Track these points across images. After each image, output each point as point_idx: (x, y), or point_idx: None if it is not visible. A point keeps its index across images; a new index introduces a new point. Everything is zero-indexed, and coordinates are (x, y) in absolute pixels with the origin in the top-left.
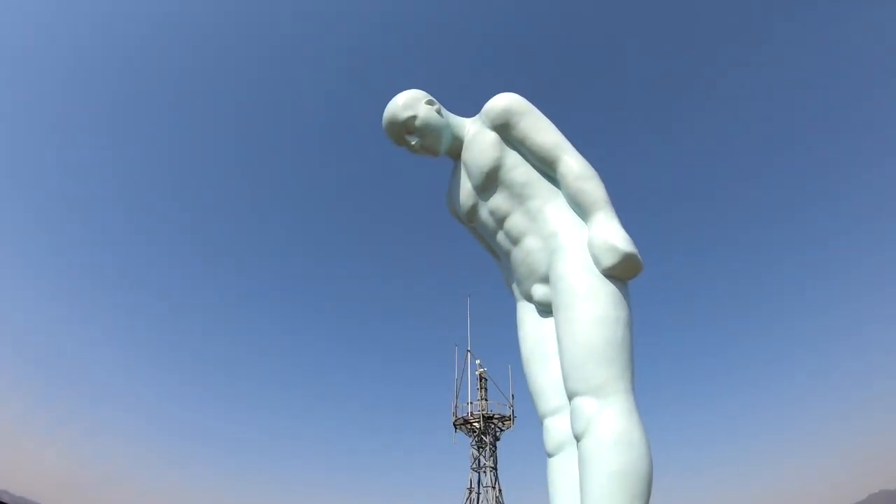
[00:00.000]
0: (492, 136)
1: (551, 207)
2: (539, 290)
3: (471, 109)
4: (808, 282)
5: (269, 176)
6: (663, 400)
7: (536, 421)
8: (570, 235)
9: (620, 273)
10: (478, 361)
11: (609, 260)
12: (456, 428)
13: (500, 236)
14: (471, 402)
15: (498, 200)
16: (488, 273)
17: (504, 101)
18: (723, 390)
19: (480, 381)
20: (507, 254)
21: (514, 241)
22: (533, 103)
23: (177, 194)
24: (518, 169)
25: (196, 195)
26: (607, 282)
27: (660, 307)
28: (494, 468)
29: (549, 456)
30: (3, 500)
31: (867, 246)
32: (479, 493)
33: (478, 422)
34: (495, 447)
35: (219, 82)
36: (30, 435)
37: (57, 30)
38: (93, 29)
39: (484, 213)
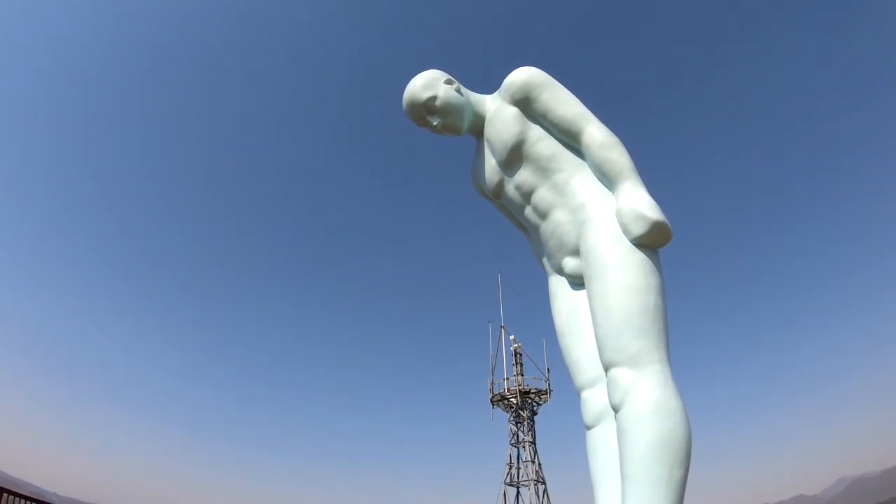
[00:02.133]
0: (513, 111)
1: (578, 179)
2: (570, 263)
3: (488, 87)
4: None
5: (299, 163)
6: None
7: (573, 394)
8: (598, 206)
9: (650, 241)
10: (512, 337)
11: (638, 229)
12: (493, 404)
13: (528, 211)
14: (507, 378)
15: (524, 175)
16: (518, 249)
17: (524, 75)
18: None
19: (515, 356)
20: (536, 228)
21: (543, 215)
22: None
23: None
24: (542, 142)
25: (243, 181)
26: (637, 251)
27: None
28: (533, 442)
29: (588, 428)
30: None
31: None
32: (518, 468)
33: (514, 397)
34: (533, 421)
35: (237, 77)
36: (71, 437)
37: (54, 31)
38: (93, 31)
39: (510, 188)
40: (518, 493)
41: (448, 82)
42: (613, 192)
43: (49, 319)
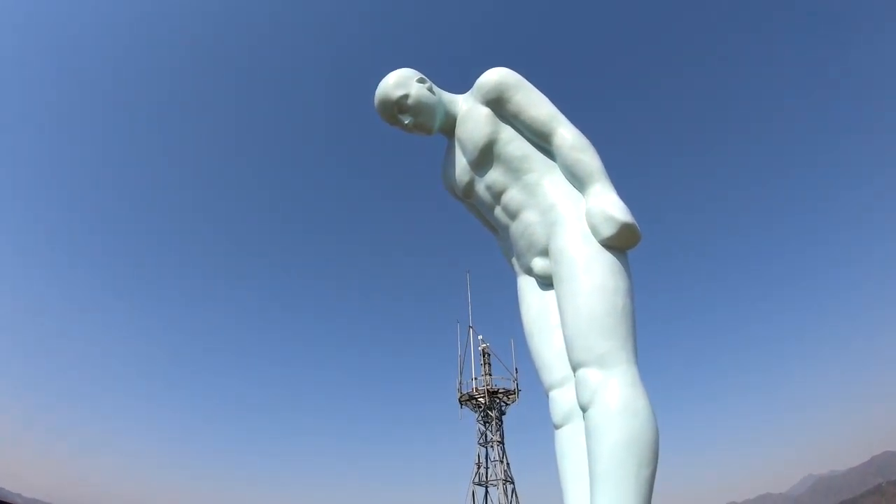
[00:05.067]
0: (485, 111)
1: (548, 180)
2: (539, 263)
3: (462, 87)
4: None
5: (266, 162)
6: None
7: (541, 394)
8: (567, 207)
9: (619, 243)
10: (480, 337)
11: (607, 230)
12: (461, 404)
13: (498, 211)
14: (475, 378)
15: (494, 175)
16: (487, 248)
17: (496, 76)
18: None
19: (483, 356)
20: (506, 228)
21: (512, 215)
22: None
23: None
24: (513, 143)
25: (199, 189)
26: (606, 252)
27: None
28: (501, 442)
29: (556, 428)
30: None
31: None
32: (487, 468)
33: (483, 397)
34: (501, 421)
35: (210, 80)
36: (36, 439)
37: (53, 31)
38: (89, 31)
39: (481, 188)
40: (487, 492)
41: (420, 81)
42: (583, 194)
43: (19, 321)
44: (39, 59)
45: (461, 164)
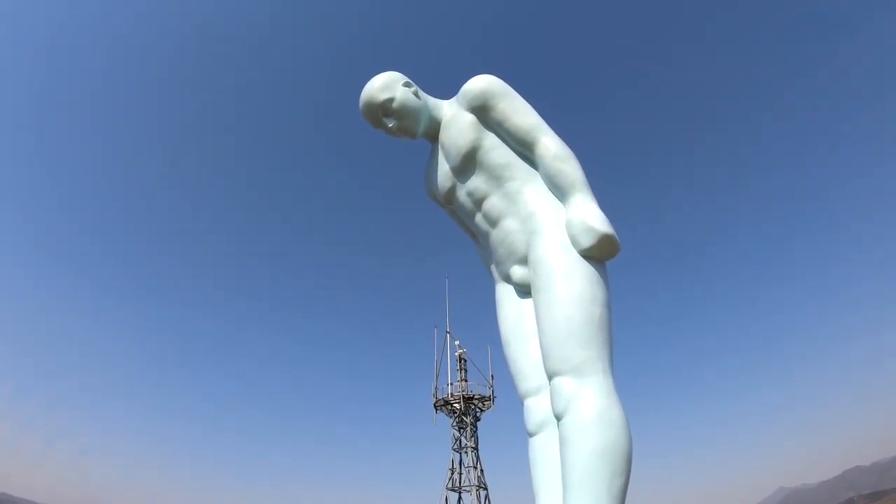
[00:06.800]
0: (469, 118)
1: (529, 189)
2: (518, 272)
3: (448, 93)
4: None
5: (246, 165)
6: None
7: (516, 401)
8: (548, 217)
9: (598, 254)
10: (457, 342)
11: (587, 241)
12: (436, 409)
13: (479, 218)
14: (451, 384)
15: (476, 182)
16: (467, 255)
17: (481, 83)
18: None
19: (460, 361)
20: (486, 235)
21: (493, 222)
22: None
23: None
24: (496, 150)
25: (183, 193)
26: (585, 262)
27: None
28: (475, 448)
29: (531, 435)
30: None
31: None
32: (460, 474)
33: (458, 402)
34: (476, 427)
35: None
36: (32, 441)
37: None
38: (86, 31)
39: (462, 194)
40: (460, 497)
41: (406, 85)
42: (564, 204)
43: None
44: (37, 59)
45: (443, 170)
